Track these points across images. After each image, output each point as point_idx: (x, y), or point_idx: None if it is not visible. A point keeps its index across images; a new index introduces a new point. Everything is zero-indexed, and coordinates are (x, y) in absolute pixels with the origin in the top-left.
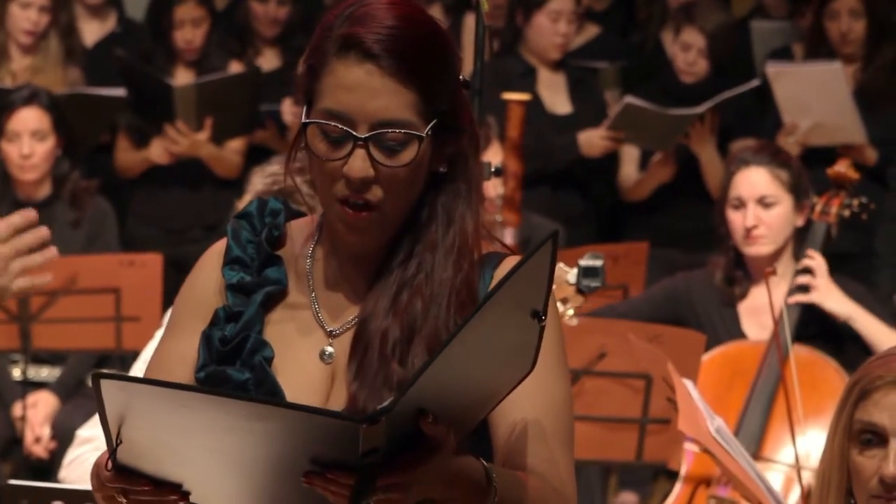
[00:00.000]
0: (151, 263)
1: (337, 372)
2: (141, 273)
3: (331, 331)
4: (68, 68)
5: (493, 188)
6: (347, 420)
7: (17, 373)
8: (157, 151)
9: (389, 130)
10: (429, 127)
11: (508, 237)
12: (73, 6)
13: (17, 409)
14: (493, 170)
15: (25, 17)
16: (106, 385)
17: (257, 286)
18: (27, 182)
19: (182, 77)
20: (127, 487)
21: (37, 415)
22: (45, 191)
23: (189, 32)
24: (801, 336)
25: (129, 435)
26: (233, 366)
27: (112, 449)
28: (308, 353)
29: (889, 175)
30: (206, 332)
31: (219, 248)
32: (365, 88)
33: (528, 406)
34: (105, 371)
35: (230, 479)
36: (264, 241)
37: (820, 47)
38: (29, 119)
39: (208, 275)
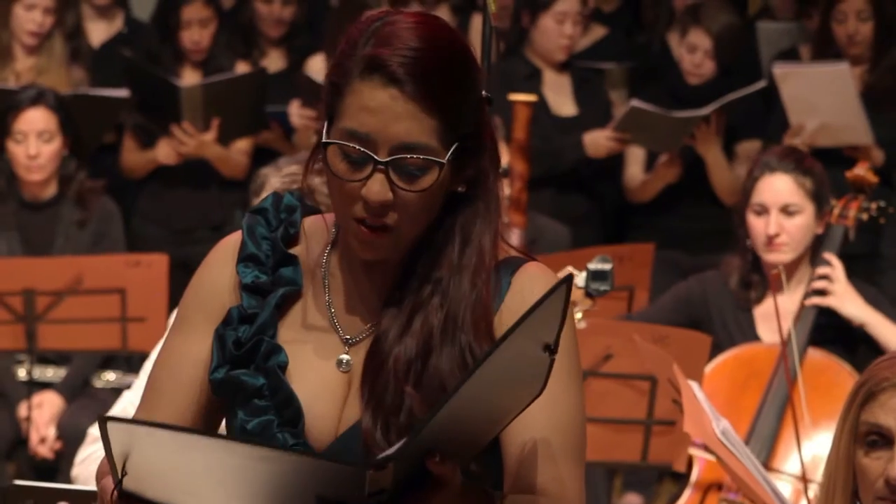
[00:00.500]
0: (157, 264)
1: (353, 381)
2: (147, 273)
3: (347, 339)
4: (72, 69)
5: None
6: (354, 466)
7: (22, 373)
8: (164, 152)
9: (410, 156)
10: (449, 153)
11: (515, 238)
12: (81, 7)
13: (22, 410)
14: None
15: (30, 19)
16: (112, 427)
17: (272, 286)
18: (34, 182)
19: (189, 77)
20: None
21: (42, 415)
22: (51, 191)
23: (196, 33)
24: (814, 340)
25: (136, 467)
26: (246, 370)
27: (117, 481)
28: (324, 361)
29: (895, 176)
30: (220, 331)
31: (232, 242)
32: (388, 112)
33: (537, 425)
34: (111, 416)
35: None
36: (280, 240)
37: (827, 48)
38: (35, 119)
39: (221, 270)
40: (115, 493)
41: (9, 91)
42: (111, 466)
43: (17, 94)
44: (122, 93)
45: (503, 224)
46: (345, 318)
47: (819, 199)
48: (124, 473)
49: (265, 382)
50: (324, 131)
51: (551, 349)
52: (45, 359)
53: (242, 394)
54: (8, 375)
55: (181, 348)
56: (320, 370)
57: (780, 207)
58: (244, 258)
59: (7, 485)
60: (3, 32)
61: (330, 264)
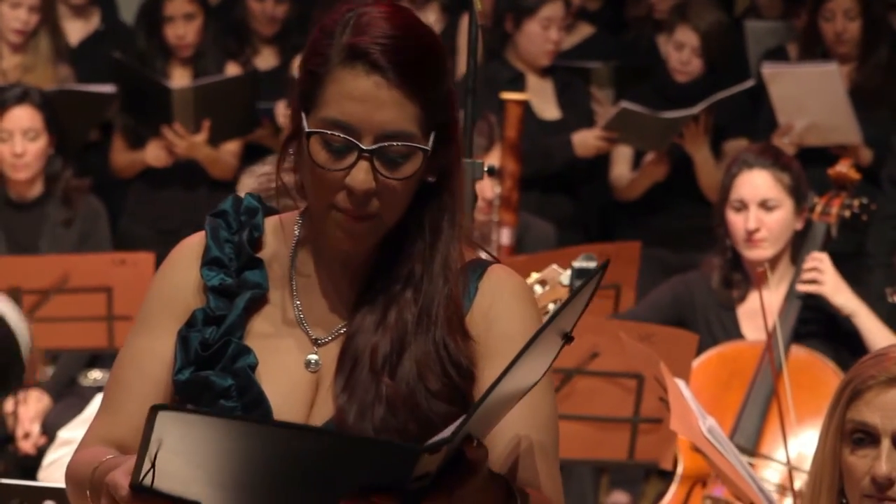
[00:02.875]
0: (143, 262)
1: (322, 381)
2: (133, 272)
3: (316, 339)
4: (59, 66)
5: (491, 189)
6: (408, 449)
7: None
8: (154, 154)
9: (394, 143)
10: (431, 140)
11: (505, 237)
12: (57, 6)
13: (8, 406)
14: (486, 169)
15: (15, 17)
16: (163, 417)
17: (238, 289)
18: (19, 181)
19: (178, 75)
20: None
21: (27, 411)
22: (37, 190)
23: (181, 28)
24: (800, 333)
25: (165, 458)
26: (213, 370)
27: (139, 475)
28: (293, 361)
29: (882, 175)
30: (184, 333)
31: (195, 244)
32: (372, 100)
33: (525, 422)
34: (162, 403)
35: (254, 500)
36: (245, 243)
37: (814, 47)
38: (21, 118)
39: (184, 272)
40: (125, 482)
41: None
42: (139, 459)
43: (2, 92)
44: (108, 88)
45: (481, 212)
46: (313, 318)
47: (797, 195)
48: (152, 466)
49: (233, 383)
50: (303, 120)
51: (568, 336)
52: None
53: (209, 394)
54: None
55: (147, 347)
56: (289, 371)
57: (759, 202)
58: (209, 262)
59: None
60: None
61: (297, 265)
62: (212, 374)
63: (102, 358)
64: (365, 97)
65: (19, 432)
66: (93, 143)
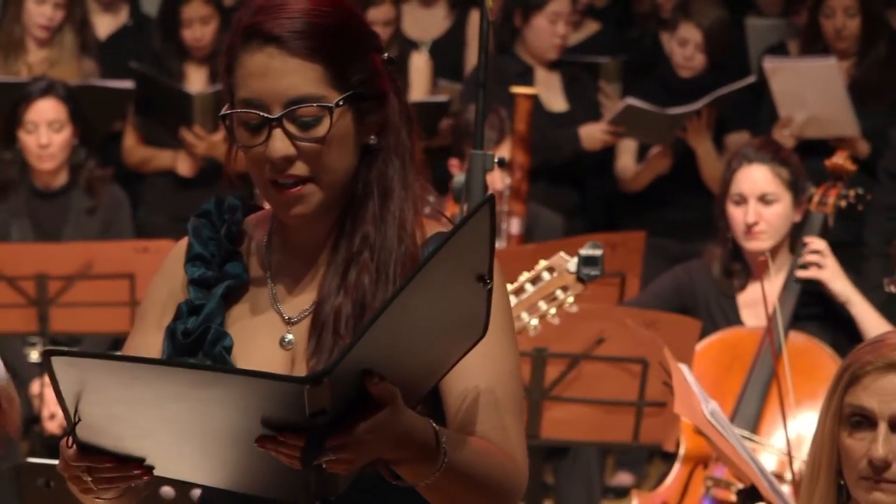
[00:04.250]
0: (164, 250)
1: (297, 357)
2: (154, 259)
3: (289, 318)
4: (83, 61)
5: (501, 180)
6: (290, 381)
7: (34, 355)
8: (183, 165)
9: (301, 106)
10: (340, 98)
11: (515, 226)
12: (87, 2)
13: (34, 388)
14: (496, 161)
15: (41, 13)
16: (57, 362)
17: (218, 280)
18: (45, 171)
19: (193, 74)
20: (91, 465)
21: (53, 393)
22: (61, 179)
23: (198, 30)
24: (798, 318)
25: (87, 411)
26: (195, 356)
27: (71, 426)
28: (268, 341)
29: (879, 166)
30: (171, 326)
31: (181, 246)
32: (270, 71)
33: (479, 374)
34: (54, 348)
35: (190, 449)
36: (224, 238)
37: (815, 43)
38: (46, 110)
39: (172, 272)
40: (70, 439)
41: (20, 83)
42: (64, 412)
43: (28, 85)
44: (128, 84)
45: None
46: (286, 300)
47: (796, 188)
48: (78, 418)
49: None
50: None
51: (484, 279)
52: (57, 341)
53: None
54: (20, 357)
55: (140, 342)
56: (264, 350)
57: (758, 196)
58: (191, 258)
59: (21, 463)
60: (16, 26)
61: (271, 253)
62: (192, 359)
63: (124, 341)
64: (264, 70)
65: (45, 413)
66: (115, 134)
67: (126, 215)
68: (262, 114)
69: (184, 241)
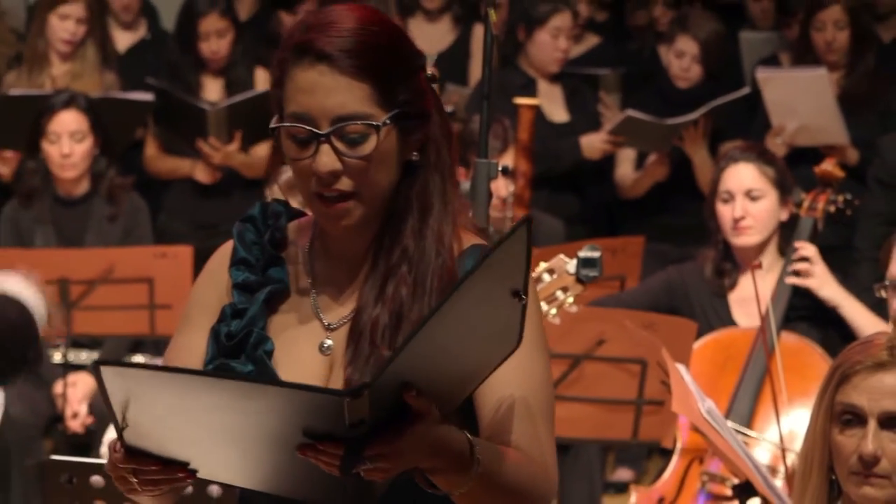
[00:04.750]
0: (182, 255)
1: (335, 363)
2: (173, 264)
3: (328, 324)
4: (104, 74)
5: (505, 187)
6: (332, 395)
7: (58, 357)
8: (202, 173)
9: (348, 123)
10: (386, 117)
11: None
12: (107, 19)
13: (57, 388)
14: (500, 169)
15: (64, 28)
16: (106, 372)
17: (261, 285)
18: (67, 180)
19: (210, 85)
20: (137, 468)
21: (76, 393)
22: (83, 188)
23: (214, 43)
24: (789, 318)
25: (134, 418)
26: (237, 359)
27: (119, 432)
28: (307, 346)
29: (868, 174)
30: (215, 327)
31: (226, 249)
32: (320, 88)
33: (512, 384)
34: (103, 358)
35: (232, 454)
36: (267, 243)
37: (806, 55)
38: (68, 121)
39: (217, 275)
40: (119, 444)
41: (43, 96)
42: (111, 417)
43: (51, 97)
44: (148, 97)
45: (495, 209)
46: (327, 306)
47: (781, 186)
48: (126, 424)
49: (253, 369)
50: (273, 123)
51: (520, 294)
52: (79, 343)
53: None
54: (44, 358)
55: (184, 343)
56: (304, 355)
57: (745, 192)
58: (236, 262)
59: (44, 460)
60: (40, 41)
61: (313, 259)
62: (234, 361)
63: (145, 344)
64: (314, 87)
65: (68, 412)
66: (136, 143)
67: (145, 222)
68: (310, 129)
69: (228, 245)
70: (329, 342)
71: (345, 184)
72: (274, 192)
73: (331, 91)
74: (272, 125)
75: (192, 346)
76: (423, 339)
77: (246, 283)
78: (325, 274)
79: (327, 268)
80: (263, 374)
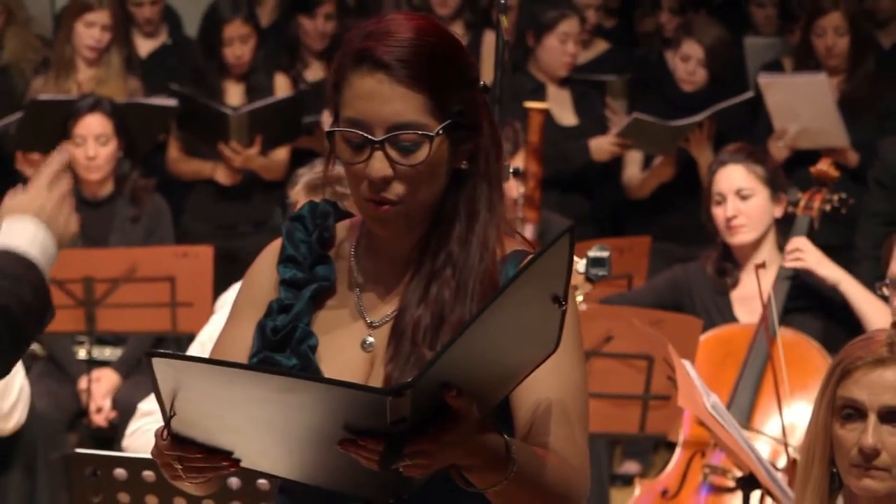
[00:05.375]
0: (203, 255)
1: (376, 360)
2: (194, 263)
3: (371, 322)
4: (128, 79)
5: (515, 188)
6: (375, 393)
7: (82, 353)
8: (223, 175)
9: (403, 132)
10: (440, 127)
11: (528, 232)
12: (130, 27)
13: (82, 383)
14: (511, 171)
15: (89, 35)
16: (157, 363)
17: (307, 282)
18: (92, 181)
19: (231, 90)
20: (182, 455)
21: (100, 388)
22: (107, 189)
23: (238, 49)
24: (789, 310)
25: (182, 407)
26: (282, 353)
27: (166, 420)
28: (350, 342)
29: (868, 175)
30: (261, 322)
31: (275, 246)
32: (378, 96)
33: (550, 387)
34: (156, 350)
35: (274, 446)
36: (315, 242)
37: (807, 60)
38: (93, 125)
39: (265, 271)
40: (166, 431)
41: (69, 100)
42: (160, 405)
43: (77, 102)
44: (171, 102)
45: (509, 209)
46: (371, 304)
47: (772, 184)
48: (173, 413)
49: (297, 363)
50: (329, 126)
51: (560, 300)
52: (103, 340)
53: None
54: (69, 355)
55: (233, 335)
56: (346, 351)
57: (735, 192)
58: (284, 259)
59: (69, 453)
60: (67, 47)
61: (358, 258)
62: (279, 355)
63: (166, 340)
64: (371, 94)
65: (92, 407)
66: (158, 146)
67: (167, 223)
68: (365, 135)
69: (277, 242)
70: (371, 339)
71: (395, 189)
72: (295, 194)
73: (387, 99)
74: (327, 129)
75: (238, 339)
76: (465, 343)
77: (293, 280)
78: (370, 273)
79: (373, 267)
80: (307, 369)
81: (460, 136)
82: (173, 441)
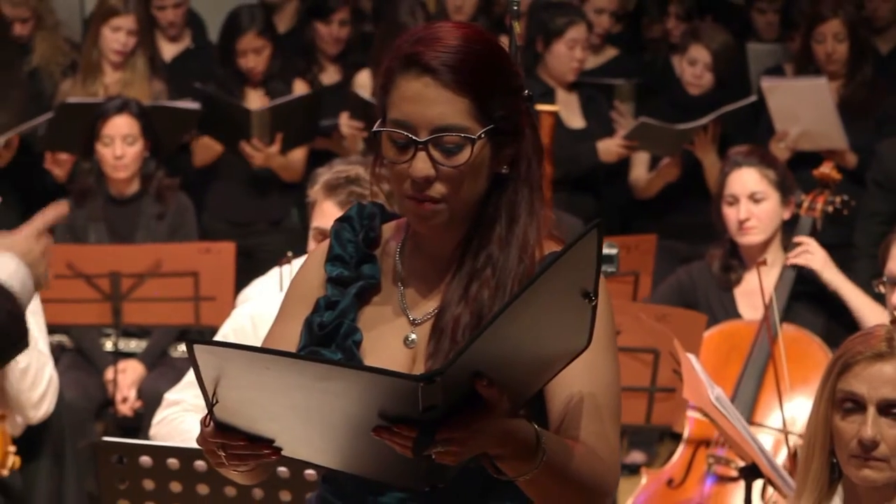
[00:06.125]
0: (226, 251)
1: (418, 355)
2: (216, 259)
3: (414, 319)
4: (153, 82)
5: None
6: (406, 379)
7: (109, 345)
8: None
9: (446, 134)
10: (482, 131)
11: None
12: (155, 32)
13: (108, 374)
14: None
15: (115, 39)
16: (199, 350)
17: (354, 280)
18: (119, 180)
19: (252, 96)
20: (225, 442)
21: (125, 379)
22: (134, 187)
23: (252, 60)
24: (791, 306)
25: (224, 395)
26: (328, 347)
27: (209, 407)
28: (393, 338)
29: (866, 176)
30: (308, 318)
31: (324, 247)
32: (423, 98)
33: (583, 382)
34: (196, 338)
35: (313, 434)
36: (361, 242)
37: (808, 66)
38: (121, 125)
39: (314, 270)
40: (209, 418)
41: (97, 103)
42: (203, 393)
43: (105, 103)
44: (194, 105)
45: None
46: (413, 301)
47: (782, 188)
48: (216, 400)
49: (342, 357)
50: (377, 126)
51: (590, 296)
52: (129, 332)
53: None
54: (96, 347)
55: (280, 331)
56: (390, 347)
57: (748, 196)
58: (331, 258)
59: (96, 441)
60: (94, 51)
61: (403, 258)
62: (325, 350)
63: (190, 333)
64: (417, 97)
65: (118, 397)
66: (182, 146)
67: (191, 220)
68: (410, 136)
69: (326, 243)
70: (413, 336)
71: (437, 189)
72: (314, 192)
73: (433, 102)
74: (374, 128)
75: (287, 335)
76: (494, 333)
77: (339, 278)
78: (414, 271)
79: (417, 265)
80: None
81: (502, 140)
82: (216, 428)
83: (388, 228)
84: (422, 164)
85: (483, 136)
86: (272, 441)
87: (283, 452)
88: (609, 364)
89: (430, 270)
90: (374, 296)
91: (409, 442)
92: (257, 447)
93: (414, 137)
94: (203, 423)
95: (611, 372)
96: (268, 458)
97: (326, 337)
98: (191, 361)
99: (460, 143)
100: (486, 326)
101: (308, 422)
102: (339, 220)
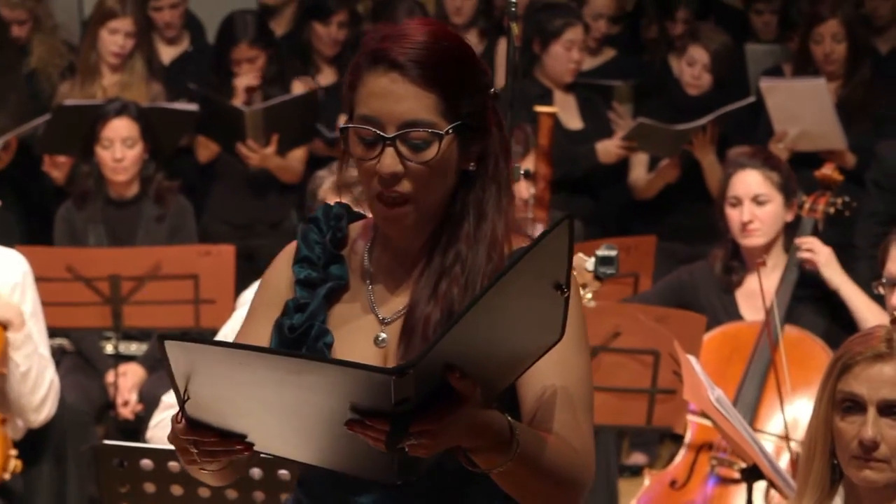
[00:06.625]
0: (225, 254)
1: (389, 355)
2: (216, 262)
3: (383, 319)
4: (151, 84)
5: (526, 189)
6: (378, 372)
7: (109, 348)
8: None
9: (414, 130)
10: (449, 126)
11: (538, 231)
12: (152, 34)
13: (109, 377)
14: (522, 172)
15: (113, 42)
16: (170, 346)
17: (322, 281)
18: (119, 183)
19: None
20: (197, 439)
21: (126, 382)
22: (133, 190)
23: (246, 68)
24: (793, 308)
25: (195, 391)
26: (299, 350)
27: (181, 404)
28: (364, 339)
29: (866, 177)
30: (278, 321)
31: (291, 248)
32: (391, 94)
33: (555, 375)
34: (168, 333)
35: (286, 429)
36: (329, 243)
37: (806, 66)
38: (120, 128)
39: (281, 272)
40: (180, 415)
41: (97, 105)
42: (174, 389)
43: (104, 106)
44: (192, 107)
45: (519, 209)
46: (382, 301)
47: (786, 190)
48: (188, 397)
49: None
50: (343, 123)
51: (563, 288)
52: (130, 335)
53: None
54: (97, 350)
55: (250, 334)
56: (360, 347)
57: (752, 198)
58: (299, 260)
59: (97, 444)
60: (92, 53)
61: (372, 257)
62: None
63: (190, 335)
64: (385, 93)
65: (119, 400)
66: (182, 149)
67: (191, 222)
68: (377, 132)
69: (292, 245)
70: (384, 335)
71: (404, 186)
72: (324, 192)
73: (400, 98)
74: (341, 125)
75: (257, 338)
76: (466, 325)
77: (308, 280)
78: (381, 271)
79: (384, 265)
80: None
81: (469, 137)
82: (188, 425)
83: (354, 228)
84: (390, 160)
85: (451, 132)
86: (244, 436)
87: (255, 448)
88: (579, 356)
89: (397, 267)
90: (342, 296)
91: (383, 435)
92: (229, 443)
93: (381, 133)
94: (174, 420)
95: (583, 366)
96: (240, 453)
97: (297, 340)
98: (162, 358)
99: (428, 139)
100: (457, 319)
101: (280, 417)
102: (306, 222)
